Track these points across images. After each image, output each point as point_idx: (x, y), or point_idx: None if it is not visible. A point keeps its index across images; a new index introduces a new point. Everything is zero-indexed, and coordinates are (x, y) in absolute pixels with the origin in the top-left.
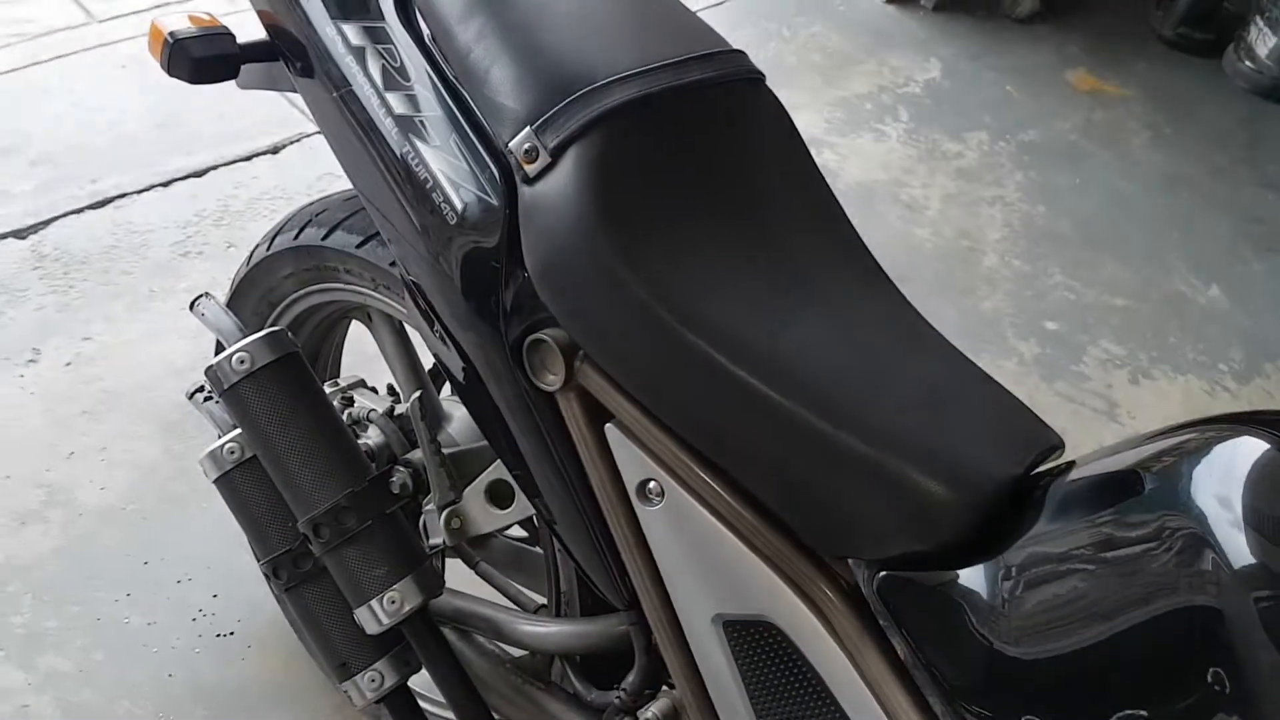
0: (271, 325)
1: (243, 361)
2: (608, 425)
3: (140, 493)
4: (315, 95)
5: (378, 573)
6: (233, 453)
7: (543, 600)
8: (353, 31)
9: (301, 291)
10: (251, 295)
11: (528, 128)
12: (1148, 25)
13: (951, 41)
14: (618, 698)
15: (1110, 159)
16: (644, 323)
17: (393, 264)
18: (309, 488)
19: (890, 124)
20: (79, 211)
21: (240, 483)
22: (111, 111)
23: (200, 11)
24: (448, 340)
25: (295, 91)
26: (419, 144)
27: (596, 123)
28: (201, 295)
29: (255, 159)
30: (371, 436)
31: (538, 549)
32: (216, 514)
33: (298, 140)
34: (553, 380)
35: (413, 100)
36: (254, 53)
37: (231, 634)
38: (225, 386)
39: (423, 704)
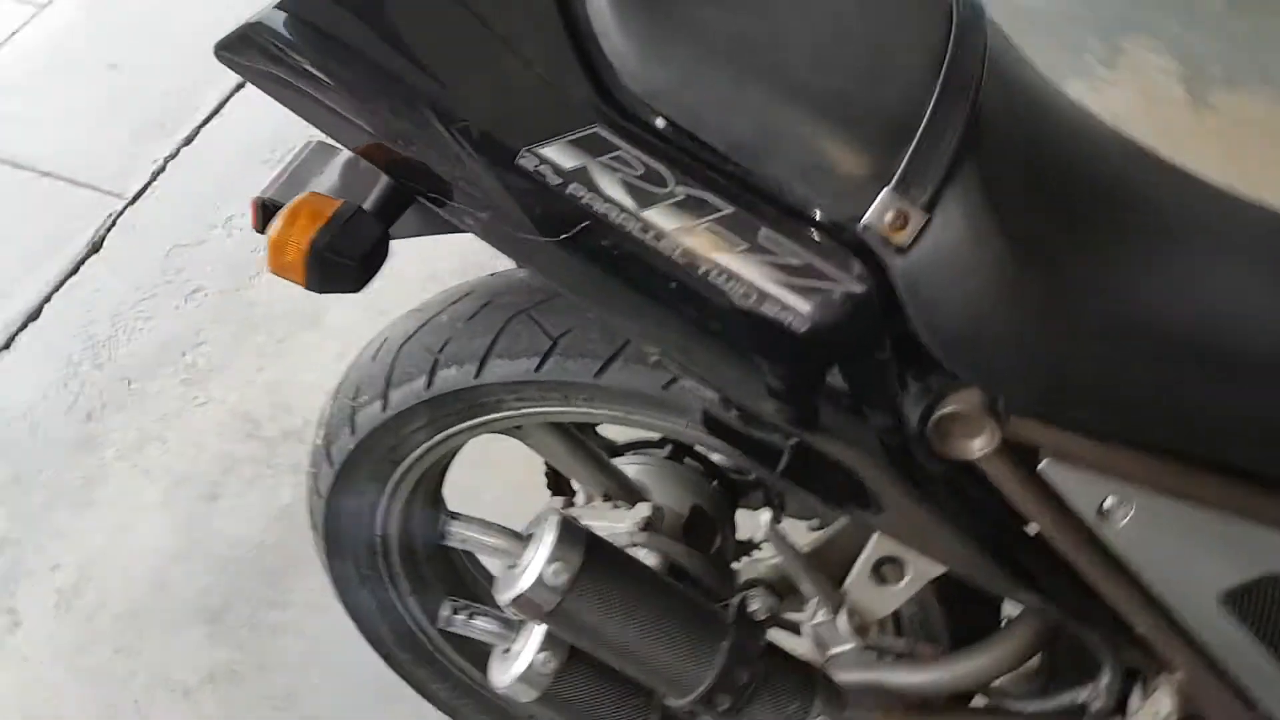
0: (401, 478)
1: (559, 574)
2: (1041, 466)
3: None
4: (514, 242)
5: (790, 709)
6: (548, 664)
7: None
8: (559, 153)
9: (439, 437)
10: (364, 467)
11: (884, 191)
12: None
13: None
14: (1090, 703)
15: None
16: (1095, 345)
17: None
18: (683, 667)
19: None
20: None
21: (567, 691)
22: None
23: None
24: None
25: (463, 232)
26: (719, 257)
27: (963, 154)
28: (448, 517)
29: None
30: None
31: None
32: None
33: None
34: (979, 446)
35: (687, 207)
36: (393, 211)
37: None
38: (549, 609)
39: None
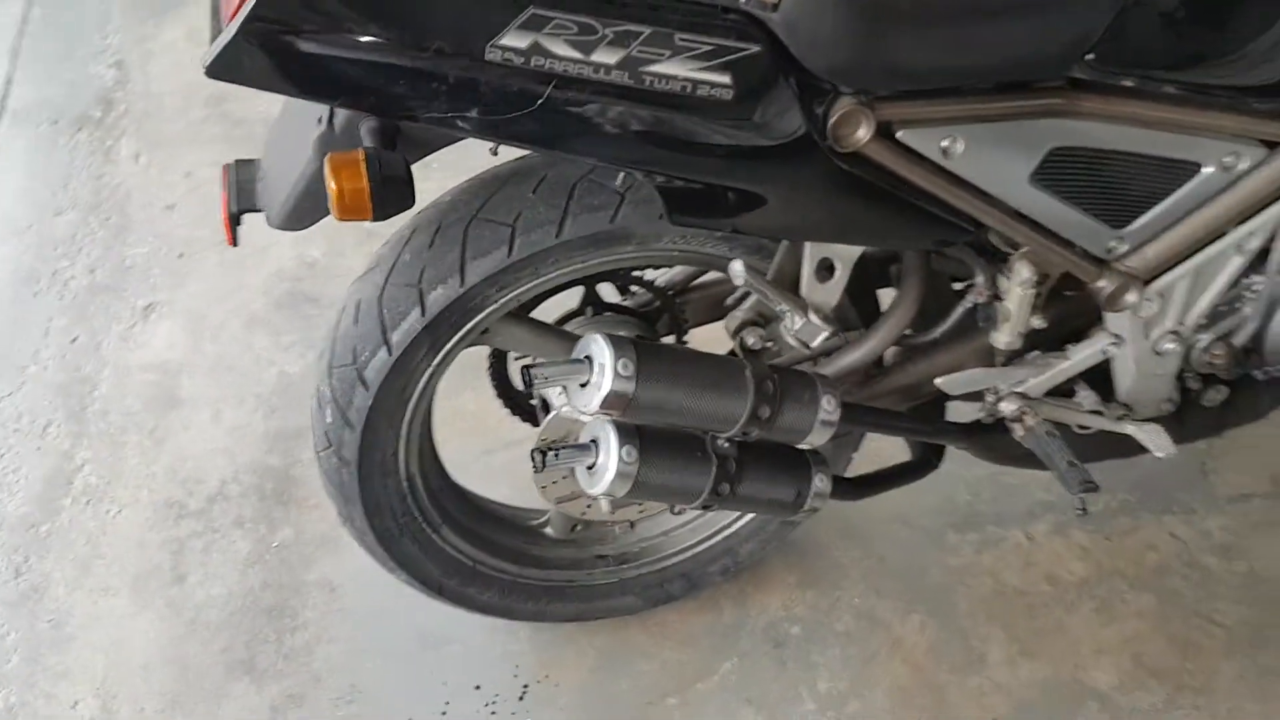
0: (410, 416)
1: (627, 366)
2: (899, 136)
3: None
4: (503, 125)
5: (807, 398)
6: (631, 453)
7: None
8: (513, 38)
9: (437, 359)
10: (382, 417)
11: None
12: None
13: None
14: (976, 301)
15: None
16: (907, 28)
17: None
18: (729, 401)
19: None
20: None
21: (650, 473)
22: None
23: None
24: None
25: (467, 137)
26: (654, 67)
27: None
28: (526, 370)
29: None
30: None
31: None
32: None
33: None
34: (862, 135)
35: (617, 39)
36: (390, 143)
37: None
38: (632, 395)
39: None
